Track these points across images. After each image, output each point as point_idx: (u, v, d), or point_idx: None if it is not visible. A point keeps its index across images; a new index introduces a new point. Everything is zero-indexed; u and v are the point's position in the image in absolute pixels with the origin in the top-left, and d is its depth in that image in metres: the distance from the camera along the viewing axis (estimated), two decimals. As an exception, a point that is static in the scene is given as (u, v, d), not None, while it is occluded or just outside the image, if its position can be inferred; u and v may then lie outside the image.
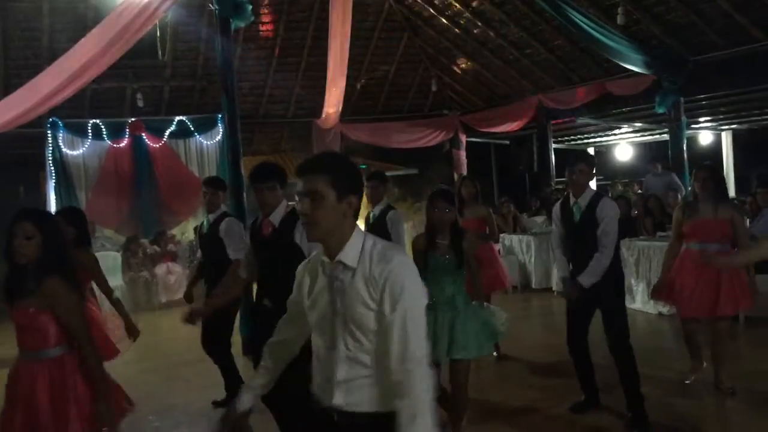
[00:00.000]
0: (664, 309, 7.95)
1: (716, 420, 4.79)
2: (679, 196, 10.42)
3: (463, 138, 15.87)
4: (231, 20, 7.53)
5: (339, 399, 2.18)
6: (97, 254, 10.12)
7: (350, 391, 2.17)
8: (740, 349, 6.39)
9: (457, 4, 12.52)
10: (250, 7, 7.55)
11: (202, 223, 5.75)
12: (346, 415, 2.20)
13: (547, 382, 5.84)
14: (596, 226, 4.68)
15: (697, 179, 5.11)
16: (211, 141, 13.31)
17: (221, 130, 13.03)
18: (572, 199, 4.86)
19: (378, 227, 5.77)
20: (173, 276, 11.49)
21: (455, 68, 14.74)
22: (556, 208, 5.07)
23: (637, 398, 4.64)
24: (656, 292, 5.42)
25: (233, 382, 5.20)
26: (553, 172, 14.42)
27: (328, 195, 2.12)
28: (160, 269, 11.46)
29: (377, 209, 5.99)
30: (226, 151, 8.71)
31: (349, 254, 2.16)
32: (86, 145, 12.48)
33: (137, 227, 12.46)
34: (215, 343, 5.44)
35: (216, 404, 5.54)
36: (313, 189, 2.12)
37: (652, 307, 8.12)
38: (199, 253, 6.17)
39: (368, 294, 2.12)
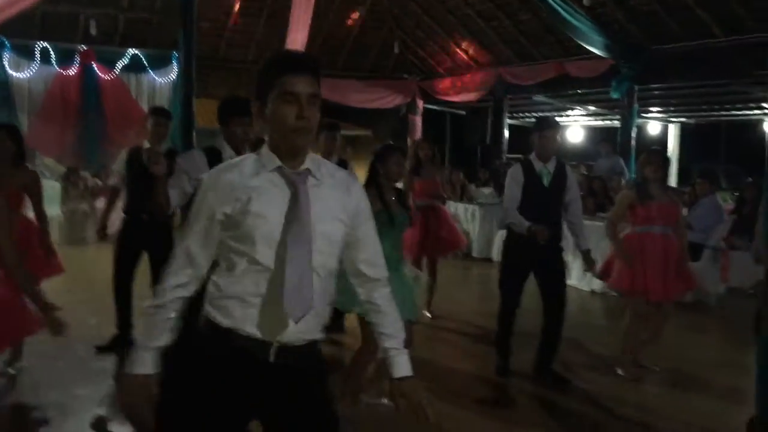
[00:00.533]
0: (597, 287, 8.19)
1: (636, 394, 4.98)
2: (623, 181, 10.71)
3: (420, 104, 15.87)
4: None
5: (294, 329, 1.98)
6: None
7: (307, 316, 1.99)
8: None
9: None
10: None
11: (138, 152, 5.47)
12: (288, 351, 2.00)
13: (476, 346, 5.98)
14: (563, 190, 4.88)
15: (651, 163, 5.09)
16: (165, 78, 12.99)
17: (176, 68, 12.74)
18: (539, 164, 4.94)
19: None
20: (114, 212, 11.24)
21: (419, 32, 14.66)
22: (518, 172, 4.97)
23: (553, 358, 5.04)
24: (608, 274, 5.47)
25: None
26: (506, 146, 14.59)
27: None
28: (101, 203, 11.19)
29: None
30: (180, 90, 8.53)
31: (311, 165, 2.04)
32: (33, 69, 12.03)
33: (79, 158, 12.13)
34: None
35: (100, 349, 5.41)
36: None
37: (586, 285, 8.36)
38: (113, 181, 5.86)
39: (341, 206, 2.07)
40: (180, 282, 2.03)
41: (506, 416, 4.47)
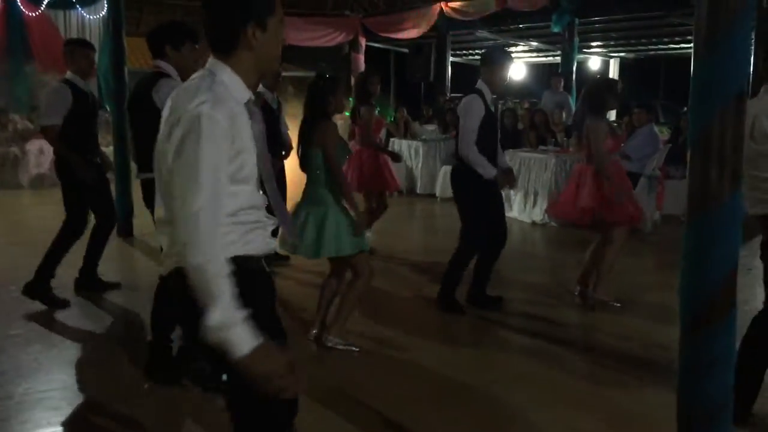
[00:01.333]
0: (538, 218, 8.33)
1: (576, 316, 5.11)
2: (564, 115, 10.81)
3: (363, 42, 15.61)
4: None
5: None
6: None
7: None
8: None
9: None
10: None
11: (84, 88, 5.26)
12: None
13: (420, 277, 6.02)
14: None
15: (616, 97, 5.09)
16: (95, 16, 12.40)
17: (106, 5, 12.18)
18: (489, 97, 4.85)
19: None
20: (45, 156, 10.87)
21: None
22: (479, 105, 4.75)
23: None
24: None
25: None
26: (449, 83, 14.52)
27: None
28: (32, 146, 10.80)
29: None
30: (110, 28, 8.16)
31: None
32: (-49, 6, 11.35)
33: (8, 99, 11.60)
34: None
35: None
36: None
37: (527, 216, 8.48)
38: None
39: None
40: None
41: (451, 339, 4.54)
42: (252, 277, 1.86)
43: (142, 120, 3.76)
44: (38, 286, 5.00)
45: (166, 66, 3.70)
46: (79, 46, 5.32)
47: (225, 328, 1.64)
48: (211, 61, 1.86)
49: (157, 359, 3.73)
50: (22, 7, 11.69)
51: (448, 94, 13.95)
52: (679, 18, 10.96)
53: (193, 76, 1.89)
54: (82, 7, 12.23)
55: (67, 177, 5.14)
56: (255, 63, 1.86)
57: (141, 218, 7.48)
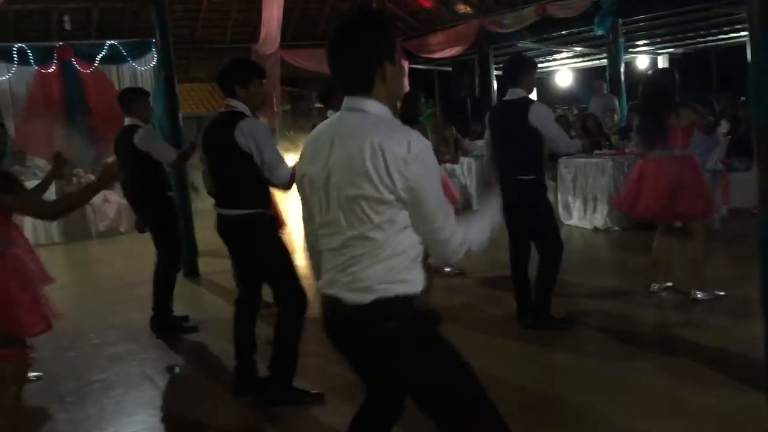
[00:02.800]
0: (599, 223, 8.19)
1: (653, 316, 5.00)
2: (615, 117, 10.65)
3: (406, 64, 15.70)
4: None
5: None
6: (30, 183, 9.87)
7: None
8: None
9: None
10: None
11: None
12: None
13: (489, 291, 5.97)
14: None
15: None
16: (146, 67, 12.84)
17: (155, 55, 12.61)
18: None
19: None
20: (110, 204, 11.25)
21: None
22: (547, 109, 4.92)
23: None
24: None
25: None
26: (495, 96, 14.46)
27: None
28: (97, 198, 11.17)
29: None
30: (161, 77, 8.46)
31: None
32: (12, 71, 11.91)
33: (70, 155, 12.06)
34: None
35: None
36: None
37: (588, 223, 8.35)
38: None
39: None
40: None
41: (528, 349, 4.48)
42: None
43: (223, 159, 3.82)
44: (168, 321, 5.46)
45: (236, 104, 3.78)
46: (136, 94, 5.55)
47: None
48: (351, 100, 2.03)
49: (245, 381, 3.99)
50: (77, 66, 12.21)
51: (495, 108, 13.89)
52: (725, 8, 10.70)
53: (340, 117, 2.06)
54: (133, 59, 12.69)
55: (164, 214, 5.43)
56: (388, 94, 2.03)
57: (205, 258, 7.69)
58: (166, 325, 5.49)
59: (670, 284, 5.43)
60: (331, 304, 2.05)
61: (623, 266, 6.65)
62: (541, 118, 4.64)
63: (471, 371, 2.06)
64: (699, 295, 5.12)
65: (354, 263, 1.96)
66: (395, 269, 1.95)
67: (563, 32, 12.68)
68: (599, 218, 8.23)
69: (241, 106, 3.77)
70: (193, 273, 7.30)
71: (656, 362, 4.10)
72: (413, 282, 2.00)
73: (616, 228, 8.04)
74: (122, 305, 6.41)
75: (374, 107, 1.99)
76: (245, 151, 3.66)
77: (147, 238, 5.61)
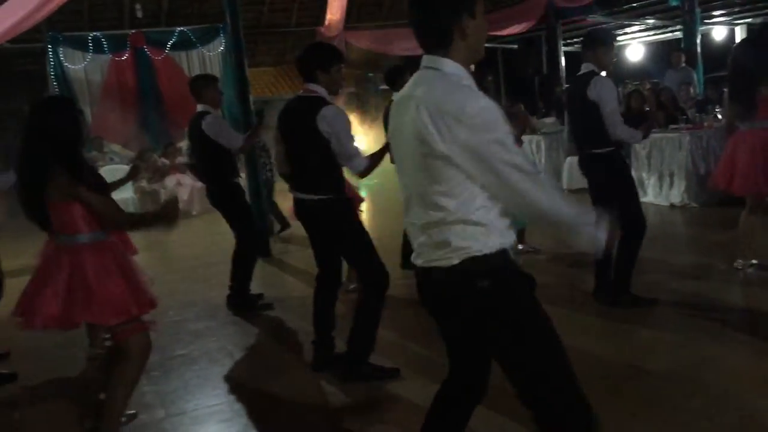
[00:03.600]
0: (676, 200, 7.94)
1: (734, 294, 4.83)
2: (692, 91, 10.27)
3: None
4: None
5: None
6: (106, 168, 10.20)
7: None
8: None
9: None
10: None
11: None
12: None
13: (566, 269, 5.87)
14: None
15: None
16: (214, 52, 13.09)
17: (223, 41, 12.82)
18: None
19: None
20: (183, 188, 11.51)
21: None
22: (611, 85, 4.61)
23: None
24: None
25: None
26: (563, 74, 14.15)
27: None
28: (170, 182, 11.47)
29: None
30: (230, 62, 8.60)
31: None
32: (87, 59, 12.31)
33: (144, 142, 12.42)
34: None
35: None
36: None
37: (664, 199, 8.11)
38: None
39: None
40: None
41: (609, 328, 4.39)
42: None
43: (304, 145, 3.81)
44: (245, 299, 5.62)
45: (317, 88, 3.78)
46: (206, 81, 5.63)
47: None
48: (429, 58, 1.96)
49: (323, 357, 4.09)
50: (149, 53, 12.52)
51: (563, 85, 13.59)
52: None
53: (417, 76, 1.98)
54: (201, 45, 12.92)
55: (230, 200, 5.52)
56: (468, 52, 1.96)
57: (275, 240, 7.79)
58: (243, 303, 5.60)
59: (755, 261, 5.22)
60: (422, 273, 2.03)
61: (704, 243, 6.42)
62: (598, 92, 4.50)
63: (560, 342, 2.01)
64: None
65: (434, 226, 1.93)
66: (476, 227, 1.89)
67: (634, 4, 12.29)
68: (676, 194, 7.98)
69: (321, 91, 3.76)
70: (265, 253, 7.41)
71: (745, 341, 3.96)
72: (499, 237, 1.93)
73: (695, 204, 7.78)
74: (200, 284, 6.58)
75: (449, 66, 1.92)
76: (326, 138, 3.66)
77: (219, 219, 5.72)
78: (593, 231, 1.97)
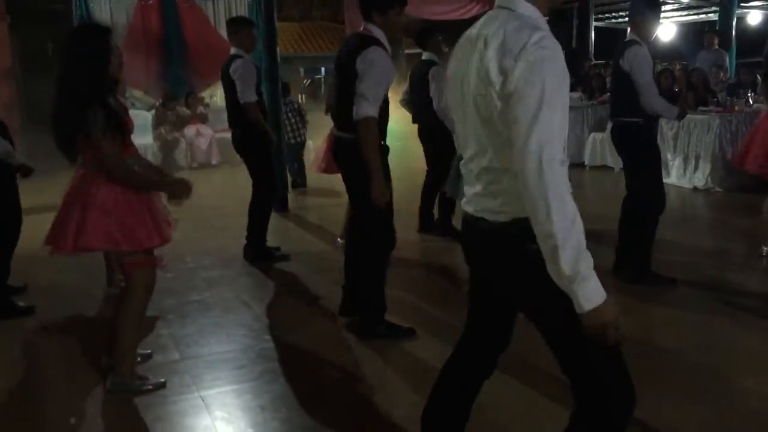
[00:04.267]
0: (700, 183, 7.85)
1: (749, 285, 4.78)
2: (722, 74, 10.09)
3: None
4: None
5: None
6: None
7: None
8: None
9: None
10: None
11: None
12: None
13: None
14: None
15: None
16: (241, 2, 12.92)
17: (251, -8, 12.67)
18: None
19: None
20: (203, 138, 11.48)
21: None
22: (647, 56, 4.47)
23: None
24: None
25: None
26: (592, 50, 13.94)
27: None
28: (189, 131, 11.44)
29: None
30: (259, 12, 8.48)
31: None
32: (113, 1, 12.18)
33: (166, 90, 12.34)
34: None
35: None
36: None
37: (687, 182, 8.01)
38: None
39: None
40: None
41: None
42: None
43: (343, 81, 3.75)
44: (261, 250, 5.62)
45: (373, 29, 3.68)
46: (240, 24, 5.57)
47: (580, 279, 1.67)
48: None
49: (349, 304, 4.12)
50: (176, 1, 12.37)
51: (593, 60, 13.40)
52: None
53: (488, 16, 1.89)
54: (230, -5, 12.76)
55: (255, 149, 5.48)
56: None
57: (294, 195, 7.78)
58: (259, 254, 5.60)
59: None
60: (471, 220, 1.97)
61: (727, 228, 6.35)
62: (631, 61, 4.43)
63: None
64: None
65: (492, 180, 1.86)
66: None
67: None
68: (700, 178, 7.88)
69: (377, 32, 3.66)
70: (282, 208, 7.40)
71: (765, 327, 3.93)
72: None
73: (719, 189, 7.69)
74: (216, 233, 6.59)
75: (523, 6, 1.82)
76: (360, 76, 3.60)
77: (238, 170, 5.70)
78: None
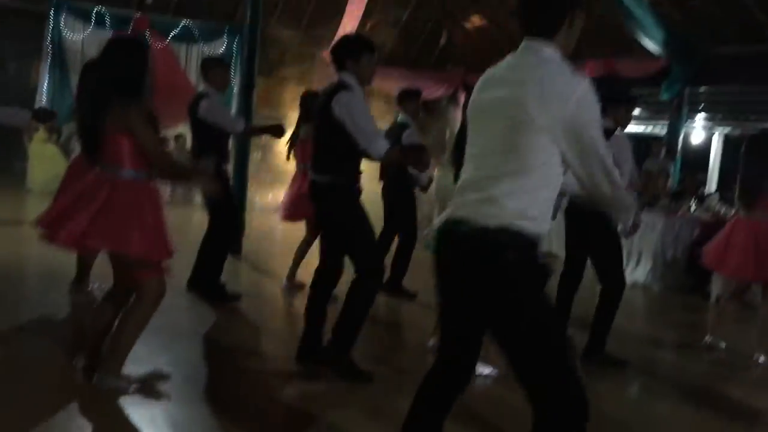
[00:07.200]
0: (640, 279, 8.16)
1: (692, 374, 4.96)
2: (669, 181, 10.65)
3: (462, 97, 15.79)
4: None
5: None
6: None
7: None
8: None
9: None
10: None
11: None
12: None
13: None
14: None
15: None
16: (214, 52, 13.08)
17: (225, 41, 12.91)
18: None
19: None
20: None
21: (467, 24, 14.66)
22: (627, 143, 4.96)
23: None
24: None
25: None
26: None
27: None
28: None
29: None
30: (239, 65, 8.63)
31: None
32: (87, 32, 12.20)
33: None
34: None
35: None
36: None
37: (629, 277, 8.27)
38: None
39: None
40: None
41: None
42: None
43: (320, 126, 3.95)
44: (213, 288, 5.55)
45: (347, 77, 3.87)
46: (215, 62, 5.72)
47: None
48: (530, 43, 2.12)
49: (307, 348, 4.08)
50: (150, 39, 12.45)
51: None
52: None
53: (515, 58, 2.16)
54: (204, 42, 12.93)
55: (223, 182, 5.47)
56: (566, 45, 2.12)
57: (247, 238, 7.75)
58: (211, 292, 5.53)
59: (724, 344, 5.38)
60: (453, 227, 2.09)
61: (665, 322, 6.63)
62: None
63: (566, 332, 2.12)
64: (762, 360, 5.09)
65: (493, 187, 2.02)
66: (528, 203, 2.00)
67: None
68: (641, 274, 8.20)
69: (351, 79, 3.85)
70: (237, 249, 7.35)
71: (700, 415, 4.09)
72: (540, 223, 2.05)
73: (659, 285, 8.01)
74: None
75: (549, 51, 2.08)
76: (339, 120, 3.73)
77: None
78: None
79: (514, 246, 1.99)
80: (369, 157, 3.84)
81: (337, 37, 12.85)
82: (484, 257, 2.03)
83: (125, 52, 3.32)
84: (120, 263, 3.34)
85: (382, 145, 3.77)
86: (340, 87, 3.82)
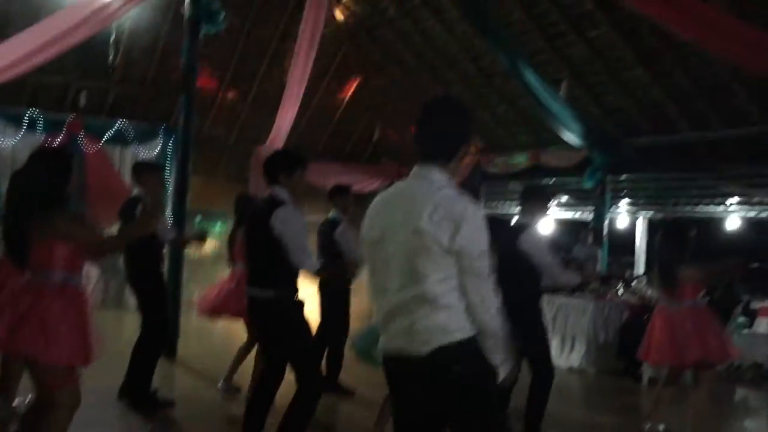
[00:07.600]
0: (575, 363, 8.30)
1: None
2: (597, 267, 11.02)
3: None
4: (201, 25, 7.64)
5: None
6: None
7: None
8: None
9: (409, 57, 13.05)
10: (223, 14, 7.70)
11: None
12: None
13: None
14: None
15: None
16: (149, 153, 13.10)
17: (161, 142, 12.97)
18: None
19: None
20: (89, 280, 11.15)
21: (399, 120, 15.15)
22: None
23: None
24: None
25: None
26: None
27: None
28: (92, 272, 11.12)
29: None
30: (177, 158, 8.70)
31: None
32: (19, 136, 12.08)
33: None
34: None
35: None
36: None
37: (564, 362, 8.45)
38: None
39: None
40: None
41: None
42: None
43: (258, 241, 4.03)
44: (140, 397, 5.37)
45: (280, 191, 4.00)
46: (149, 167, 5.78)
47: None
48: (425, 168, 2.32)
49: None
50: (84, 143, 12.42)
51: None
52: (708, 181, 11.37)
53: (410, 183, 2.35)
54: (138, 143, 12.96)
55: (150, 286, 5.49)
56: (454, 171, 2.35)
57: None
58: (141, 399, 5.40)
59: (662, 426, 5.46)
60: (395, 359, 2.19)
61: (601, 406, 6.74)
62: (532, 245, 4.86)
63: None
64: None
65: (413, 318, 2.13)
66: (452, 318, 2.12)
67: (552, 180, 13.28)
68: (576, 358, 8.36)
69: (283, 193, 3.98)
70: (171, 353, 7.21)
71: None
72: (470, 327, 2.17)
73: (593, 369, 8.16)
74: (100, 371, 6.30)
75: (443, 176, 2.28)
76: (277, 236, 3.84)
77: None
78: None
79: (455, 360, 2.14)
80: (303, 270, 3.96)
81: (272, 137, 13.24)
82: (435, 380, 2.17)
83: (46, 165, 3.40)
84: (34, 370, 3.26)
85: (311, 264, 3.99)
86: (276, 203, 3.94)
